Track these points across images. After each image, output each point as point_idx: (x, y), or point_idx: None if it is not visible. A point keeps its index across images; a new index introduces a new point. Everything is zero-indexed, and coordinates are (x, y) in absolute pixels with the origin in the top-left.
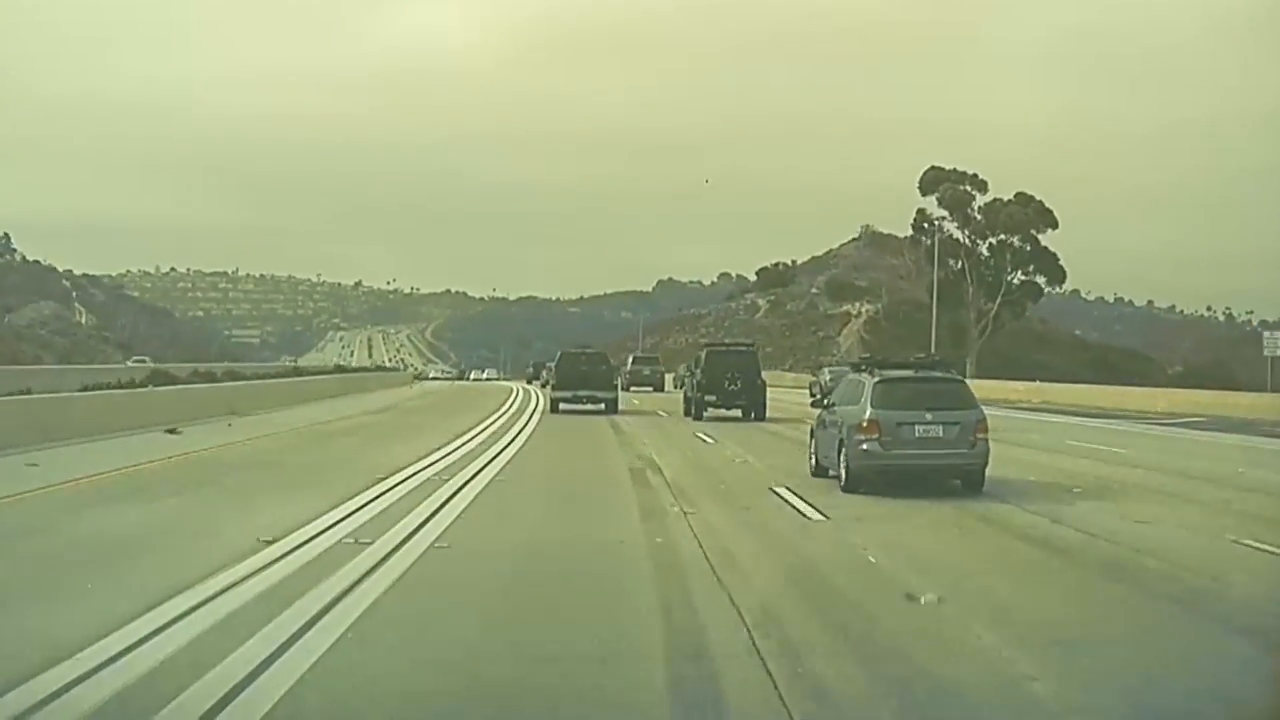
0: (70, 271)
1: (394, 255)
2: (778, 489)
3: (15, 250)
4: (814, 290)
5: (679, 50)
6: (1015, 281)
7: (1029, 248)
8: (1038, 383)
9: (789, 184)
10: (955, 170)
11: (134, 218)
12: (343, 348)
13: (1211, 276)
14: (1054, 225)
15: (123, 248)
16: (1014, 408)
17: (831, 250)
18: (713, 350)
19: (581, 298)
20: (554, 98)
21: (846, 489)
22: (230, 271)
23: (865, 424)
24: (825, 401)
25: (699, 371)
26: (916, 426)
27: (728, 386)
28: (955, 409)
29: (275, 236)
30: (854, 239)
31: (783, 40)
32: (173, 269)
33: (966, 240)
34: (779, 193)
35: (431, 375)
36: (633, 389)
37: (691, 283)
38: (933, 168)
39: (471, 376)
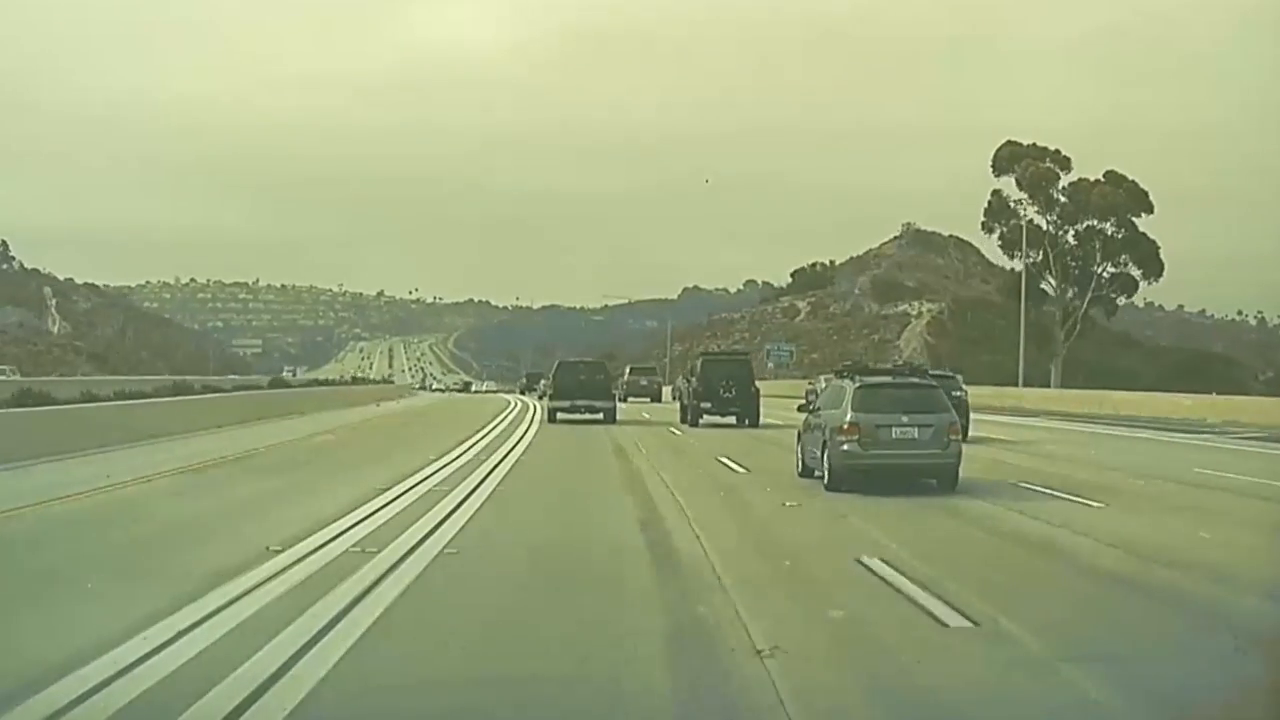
0: (71, 280)
1: (417, 264)
2: None
3: (14, 258)
4: (858, 291)
5: (704, 54)
6: (1105, 275)
7: (1122, 234)
8: (1214, 395)
9: (817, 187)
10: (1034, 145)
11: (155, 228)
12: (362, 359)
13: (1240, 279)
14: (1149, 209)
15: (143, 259)
16: (1220, 432)
17: (872, 249)
18: (708, 358)
19: (606, 306)
20: (578, 103)
21: (829, 487)
22: (251, 282)
23: (846, 426)
24: (811, 406)
25: (694, 379)
26: (894, 428)
27: (723, 394)
28: (930, 412)
29: (297, 246)
30: (896, 237)
31: (806, 42)
32: (193, 280)
33: (1050, 226)
34: (806, 197)
35: (434, 387)
36: (630, 399)
37: (717, 290)
38: (1009, 142)
39: (473, 389)
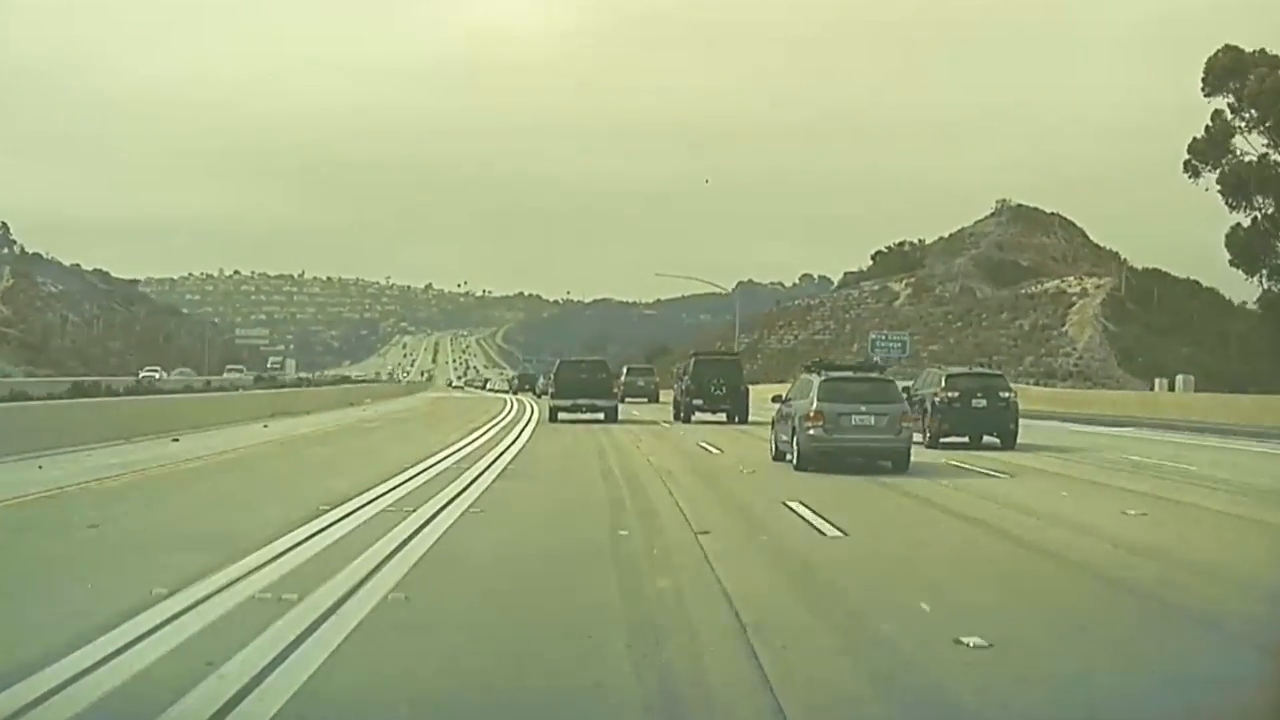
0: (78, 266)
1: (466, 257)
2: None
3: (15, 241)
4: (963, 272)
5: (762, 42)
6: None
7: None
8: None
9: (872, 181)
10: (1262, 52)
11: (200, 221)
12: (404, 353)
13: None
14: None
15: (189, 252)
16: None
17: (965, 228)
18: (700, 358)
19: (658, 300)
20: (633, 91)
21: (798, 467)
22: (296, 274)
23: (812, 414)
24: (784, 397)
25: (687, 378)
26: (853, 416)
27: (714, 391)
28: (885, 403)
29: (344, 238)
30: (992, 214)
31: (862, 30)
32: (236, 272)
33: None
34: (860, 190)
35: (453, 385)
36: (627, 400)
37: (772, 284)
38: (1228, 48)
39: (488, 386)
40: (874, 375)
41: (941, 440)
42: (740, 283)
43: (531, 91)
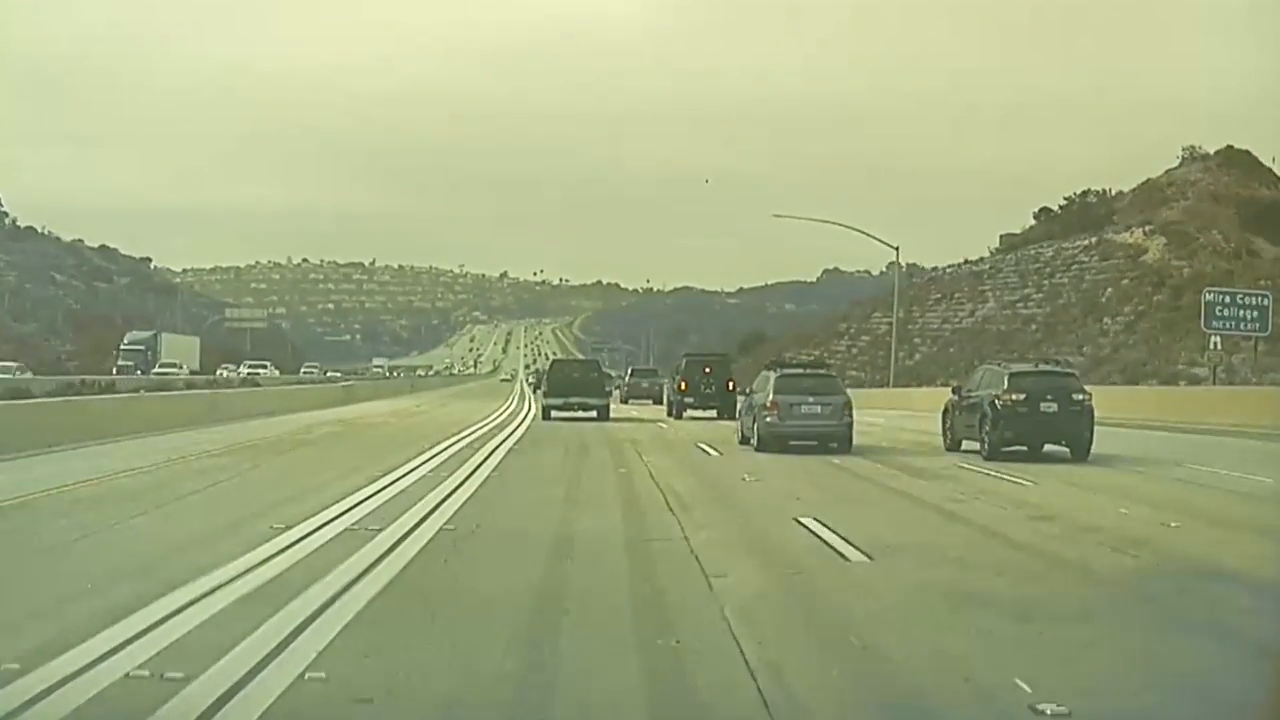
0: (80, 242)
1: (543, 245)
2: None
3: (6, 214)
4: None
5: (847, 21)
6: None
7: None
8: None
9: (956, 165)
10: None
11: (266, 208)
12: (472, 344)
13: None
14: None
15: (254, 239)
16: None
17: (1152, 179)
18: (690, 359)
19: (740, 289)
20: (716, 74)
21: (758, 449)
22: (368, 263)
23: (769, 404)
24: (749, 390)
25: (679, 377)
26: (802, 406)
27: (704, 390)
28: (830, 394)
29: (418, 226)
30: (1190, 159)
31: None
32: (305, 260)
33: None
34: (945, 176)
35: (501, 379)
36: (631, 402)
37: (858, 273)
38: None
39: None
40: (820, 372)
41: (1003, 450)
42: (825, 270)
43: (614, 77)
